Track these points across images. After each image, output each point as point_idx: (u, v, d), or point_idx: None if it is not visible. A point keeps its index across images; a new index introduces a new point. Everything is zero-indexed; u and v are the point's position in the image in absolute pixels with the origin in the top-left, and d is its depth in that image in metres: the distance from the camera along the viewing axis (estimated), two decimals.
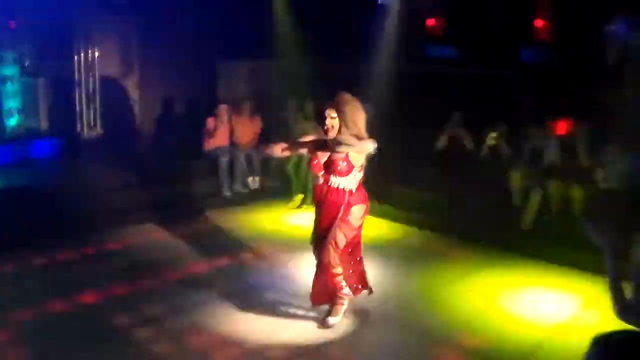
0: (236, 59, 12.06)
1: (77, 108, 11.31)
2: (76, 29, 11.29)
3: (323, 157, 5.36)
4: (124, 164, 9.86)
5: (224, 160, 9.85)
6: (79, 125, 11.29)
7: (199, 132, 10.15)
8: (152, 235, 8.16)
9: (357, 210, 5.35)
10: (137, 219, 8.49)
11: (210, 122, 10.05)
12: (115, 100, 11.92)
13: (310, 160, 5.61)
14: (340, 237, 5.34)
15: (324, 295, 5.62)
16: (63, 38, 11.49)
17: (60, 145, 10.73)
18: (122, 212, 8.49)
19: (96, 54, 11.35)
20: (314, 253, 5.60)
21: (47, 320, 5.66)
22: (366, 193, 5.44)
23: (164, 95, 11.81)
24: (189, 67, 11.76)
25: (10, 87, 10.46)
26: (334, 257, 5.37)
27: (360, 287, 5.76)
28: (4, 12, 10.62)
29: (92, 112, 11.36)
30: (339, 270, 5.46)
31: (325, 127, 5.19)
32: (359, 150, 5.13)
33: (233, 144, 10.20)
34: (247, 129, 10.35)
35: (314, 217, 5.59)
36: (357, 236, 5.58)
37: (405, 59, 10.53)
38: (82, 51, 11.26)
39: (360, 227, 5.50)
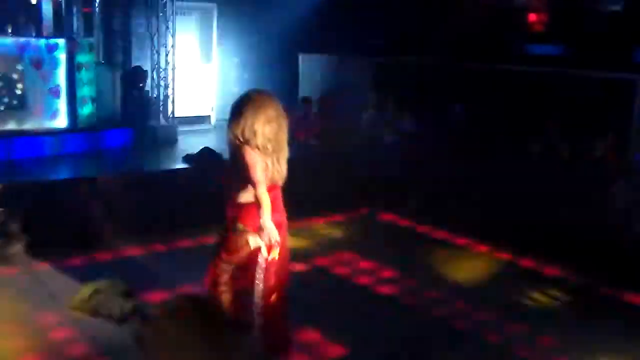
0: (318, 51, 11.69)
1: (152, 98, 11.17)
2: (154, 16, 11.14)
3: None
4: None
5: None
6: (153, 116, 11.15)
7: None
8: None
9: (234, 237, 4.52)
10: None
11: (290, 118, 9.70)
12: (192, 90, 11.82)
13: None
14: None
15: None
16: (140, 25, 11.38)
17: (133, 136, 10.54)
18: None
19: (174, 43, 11.16)
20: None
21: None
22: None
23: (241, 86, 11.53)
24: (268, 58, 11.49)
25: (84, 75, 10.29)
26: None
27: None
28: None
29: (167, 103, 11.21)
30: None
31: None
32: None
33: (312, 140, 9.81)
34: (307, 128, 9.94)
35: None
36: None
37: (503, 58, 9.93)
38: (158, 39, 11.08)
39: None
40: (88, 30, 11.10)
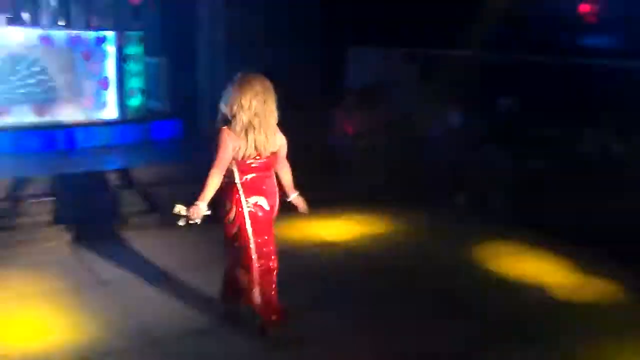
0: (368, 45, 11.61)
1: (200, 90, 11.24)
2: (201, 9, 11.18)
3: None
4: None
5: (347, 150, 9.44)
6: (201, 108, 11.22)
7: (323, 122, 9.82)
8: None
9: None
10: None
11: (337, 112, 9.74)
12: None
13: None
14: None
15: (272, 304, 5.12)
16: (187, 18, 11.44)
17: (181, 127, 10.61)
18: None
19: (221, 34, 11.19)
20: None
21: None
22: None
23: (288, 78, 11.52)
24: (316, 51, 11.46)
25: (133, 67, 10.40)
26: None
27: None
28: None
29: (215, 94, 11.24)
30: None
31: None
32: None
33: (359, 134, 9.73)
34: (375, 120, 9.87)
35: None
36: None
37: (551, 50, 9.76)
38: (207, 29, 11.12)
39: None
40: (137, 22, 11.20)
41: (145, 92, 10.66)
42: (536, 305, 5.93)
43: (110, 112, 10.24)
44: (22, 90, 9.42)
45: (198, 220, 4.59)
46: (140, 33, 10.91)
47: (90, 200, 7.58)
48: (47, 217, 7.42)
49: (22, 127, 9.33)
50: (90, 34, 10.19)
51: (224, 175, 4.71)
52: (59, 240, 7.18)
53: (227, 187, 4.76)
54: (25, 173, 7.98)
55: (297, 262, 6.45)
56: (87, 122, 9.87)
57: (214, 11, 11.08)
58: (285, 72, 12.19)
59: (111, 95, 10.22)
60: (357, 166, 9.41)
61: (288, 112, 4.99)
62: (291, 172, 5.09)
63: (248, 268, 4.86)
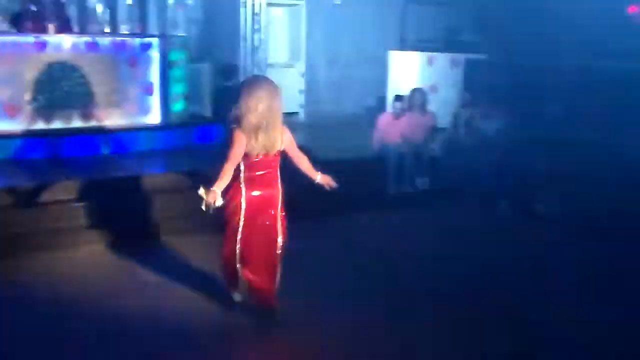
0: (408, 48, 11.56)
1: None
2: (244, 13, 11.26)
3: None
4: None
5: (393, 158, 9.37)
6: None
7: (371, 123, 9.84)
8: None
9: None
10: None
11: (383, 118, 9.70)
12: (281, 85, 11.84)
13: None
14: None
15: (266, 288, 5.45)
16: (230, 23, 11.53)
17: (223, 133, 10.65)
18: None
19: (263, 39, 11.26)
20: None
21: None
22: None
23: (329, 83, 11.56)
24: (358, 55, 11.45)
25: (177, 73, 10.51)
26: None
27: None
28: None
29: None
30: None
31: None
32: None
33: (403, 140, 9.65)
34: (419, 125, 9.80)
35: None
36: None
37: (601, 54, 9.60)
38: (249, 36, 11.20)
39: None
40: (180, 28, 11.32)
41: (188, 98, 10.76)
42: None
43: (154, 117, 10.35)
44: (68, 96, 9.59)
45: (217, 203, 4.93)
46: (184, 39, 11.02)
47: (131, 204, 7.67)
48: (88, 221, 7.52)
49: (67, 132, 9.50)
50: (136, 41, 10.33)
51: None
52: (99, 244, 7.28)
53: (233, 180, 5.14)
54: (67, 177, 8.12)
55: None
56: (130, 127, 10.00)
57: (255, 19, 11.16)
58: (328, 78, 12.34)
59: (155, 100, 10.34)
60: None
61: None
62: (307, 158, 5.51)
63: (232, 249, 5.30)
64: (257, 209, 5.24)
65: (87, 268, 6.70)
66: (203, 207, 4.89)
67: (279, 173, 5.36)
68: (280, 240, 5.36)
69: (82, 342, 5.13)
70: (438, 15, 11.29)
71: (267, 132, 5.07)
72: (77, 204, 7.60)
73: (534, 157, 8.98)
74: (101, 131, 9.68)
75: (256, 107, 5.02)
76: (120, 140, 9.65)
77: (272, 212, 5.31)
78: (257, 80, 5.31)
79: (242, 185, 5.21)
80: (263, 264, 5.34)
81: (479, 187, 8.96)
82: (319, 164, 9.05)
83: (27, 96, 9.33)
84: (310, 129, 11.23)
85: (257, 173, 5.20)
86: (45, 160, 8.98)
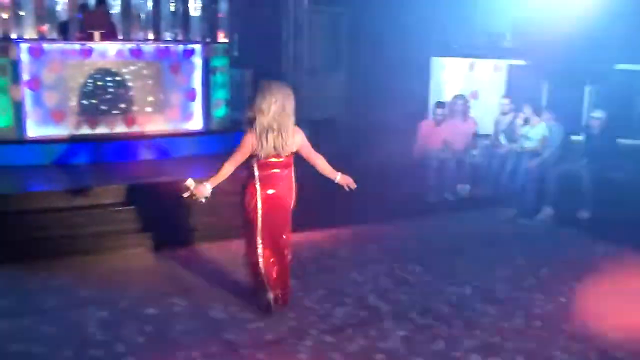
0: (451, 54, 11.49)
1: None
2: (285, 20, 11.30)
3: None
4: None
5: (433, 165, 9.32)
6: None
7: (411, 130, 9.80)
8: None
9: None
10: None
11: (424, 124, 9.66)
12: (320, 93, 11.89)
13: None
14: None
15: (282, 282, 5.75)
16: (272, 29, 11.59)
17: None
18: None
19: (304, 46, 11.29)
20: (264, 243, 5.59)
21: None
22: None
23: (371, 89, 11.54)
24: (399, 61, 11.41)
25: (219, 79, 10.60)
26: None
27: None
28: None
29: (297, 105, 11.31)
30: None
31: None
32: None
33: (444, 147, 9.60)
34: (460, 132, 9.74)
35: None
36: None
37: None
38: (290, 43, 11.24)
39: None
40: (223, 35, 11.40)
41: (230, 104, 10.85)
42: None
43: (196, 123, 10.45)
44: (112, 102, 9.75)
45: (202, 200, 5.43)
46: (226, 45, 11.11)
47: (172, 209, 7.73)
48: (131, 225, 7.61)
49: (111, 137, 9.66)
50: (179, 47, 10.45)
51: (247, 170, 5.49)
52: (142, 248, 7.39)
53: (248, 181, 5.51)
54: (110, 181, 8.25)
55: None
56: (173, 132, 10.12)
57: (297, 25, 11.19)
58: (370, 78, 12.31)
59: (197, 106, 10.43)
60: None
61: None
62: (324, 159, 5.77)
63: (254, 246, 5.57)
64: (273, 206, 5.51)
65: (129, 271, 6.79)
66: (185, 195, 5.39)
67: (293, 174, 5.62)
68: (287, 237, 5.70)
69: (127, 345, 5.19)
70: (480, 21, 11.19)
71: (278, 133, 5.33)
72: (119, 208, 7.72)
73: (579, 164, 8.86)
74: (144, 137, 9.81)
75: (268, 109, 5.31)
76: (162, 145, 9.77)
77: (285, 211, 5.63)
78: (270, 84, 5.49)
79: (257, 185, 5.47)
80: (277, 257, 5.65)
81: (521, 194, 8.86)
82: (359, 170, 9.16)
83: (73, 102, 9.51)
84: (351, 135, 11.22)
85: (271, 172, 5.45)
86: (89, 165, 9.16)
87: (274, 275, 5.66)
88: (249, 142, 5.32)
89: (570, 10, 9.97)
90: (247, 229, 5.63)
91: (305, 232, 7.50)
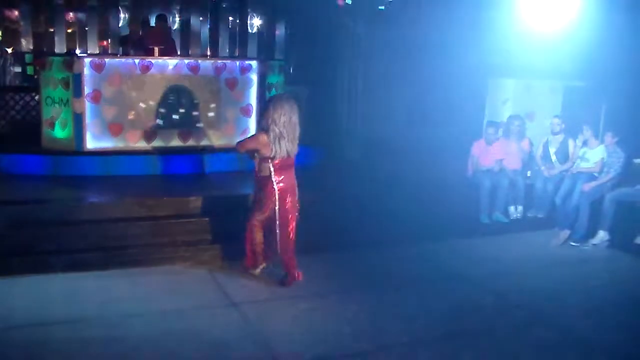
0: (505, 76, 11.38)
1: (339, 118, 11.39)
2: (344, 39, 11.36)
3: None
4: (379, 178, 9.73)
5: (486, 185, 9.23)
6: (339, 135, 11.39)
7: (466, 150, 9.76)
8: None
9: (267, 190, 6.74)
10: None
11: (476, 144, 9.59)
12: (375, 113, 11.90)
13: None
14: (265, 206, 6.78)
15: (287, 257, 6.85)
16: (328, 48, 11.67)
17: (319, 154, 10.72)
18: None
19: (361, 64, 11.31)
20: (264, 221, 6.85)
21: None
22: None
23: (427, 108, 11.52)
24: (456, 80, 11.37)
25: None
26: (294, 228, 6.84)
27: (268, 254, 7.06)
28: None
29: (353, 123, 11.36)
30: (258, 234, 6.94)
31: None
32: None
33: (499, 168, 9.50)
34: (514, 152, 9.63)
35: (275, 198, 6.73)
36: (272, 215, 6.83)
37: None
38: (346, 61, 11.29)
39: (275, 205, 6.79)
40: (279, 53, 11.52)
41: None
42: None
43: None
44: (169, 116, 9.93)
45: None
46: (282, 62, 11.21)
47: (225, 222, 7.83)
48: (185, 237, 7.74)
49: (167, 151, 9.83)
50: (236, 63, 10.59)
51: (264, 169, 6.66)
52: (195, 260, 7.47)
53: (266, 178, 6.68)
54: (165, 194, 8.39)
55: None
56: (228, 147, 10.22)
57: (354, 43, 11.24)
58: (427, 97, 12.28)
59: (253, 122, 10.52)
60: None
61: None
62: None
63: (273, 229, 6.79)
64: (284, 193, 6.69)
65: (180, 283, 6.88)
66: None
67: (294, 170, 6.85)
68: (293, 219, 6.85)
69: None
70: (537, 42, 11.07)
71: (288, 140, 6.56)
72: (173, 221, 7.85)
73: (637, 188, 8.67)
74: (199, 151, 9.96)
75: (280, 119, 6.49)
76: (217, 160, 9.87)
77: (291, 198, 6.77)
78: (281, 98, 6.77)
79: (273, 179, 6.64)
80: (286, 237, 6.78)
81: (575, 216, 8.70)
82: (412, 188, 9.15)
83: (130, 116, 9.72)
84: (406, 153, 11.17)
85: (282, 169, 6.65)
86: (144, 178, 9.31)
87: (276, 248, 6.84)
88: (260, 139, 6.59)
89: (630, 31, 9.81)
90: (254, 209, 6.92)
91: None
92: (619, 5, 10.18)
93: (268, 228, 6.87)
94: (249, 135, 7.06)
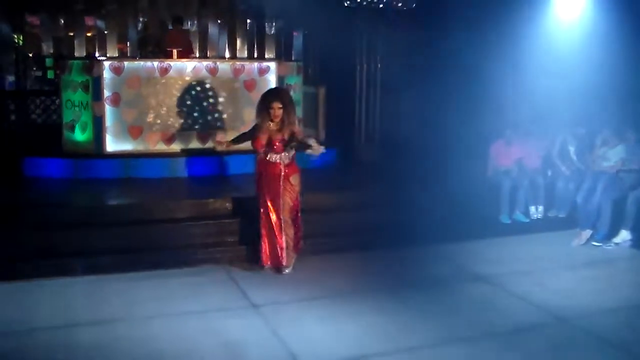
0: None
1: (356, 119, 11.35)
2: (360, 40, 11.31)
3: (264, 138, 6.96)
4: (398, 180, 9.67)
5: (506, 185, 9.15)
6: (356, 136, 11.35)
7: (485, 151, 9.70)
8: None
9: (294, 179, 7.05)
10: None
11: (495, 145, 9.51)
12: (393, 114, 11.84)
13: (254, 141, 7.04)
14: (287, 200, 6.99)
15: (271, 256, 7.08)
16: (346, 49, 11.62)
17: (335, 155, 10.69)
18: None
19: (378, 66, 11.26)
20: (263, 216, 7.06)
21: None
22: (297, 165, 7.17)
23: (444, 110, 11.43)
24: (473, 80, 11.28)
25: (293, 96, 10.65)
26: (287, 218, 7.04)
27: (299, 246, 7.30)
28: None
29: (370, 124, 11.32)
30: (290, 229, 7.08)
31: (274, 115, 6.89)
32: (303, 139, 7.16)
33: (519, 167, 9.41)
34: (534, 152, 9.54)
35: (261, 185, 7.11)
36: (298, 203, 7.19)
37: None
38: (364, 63, 11.24)
39: (299, 193, 7.14)
40: (297, 54, 11.48)
41: (303, 121, 10.89)
42: None
43: None
44: (188, 118, 9.93)
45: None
46: (300, 63, 11.19)
47: (245, 223, 7.81)
48: (204, 239, 7.74)
49: (186, 153, 9.83)
50: (254, 65, 10.57)
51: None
52: (215, 262, 7.46)
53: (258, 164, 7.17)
54: (184, 196, 8.40)
55: None
56: (246, 149, 10.18)
57: (370, 44, 11.19)
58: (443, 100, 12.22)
59: None
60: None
61: None
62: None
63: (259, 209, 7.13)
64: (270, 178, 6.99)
65: (199, 285, 6.86)
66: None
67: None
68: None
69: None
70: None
71: (283, 128, 6.92)
72: (192, 223, 7.84)
73: None
74: (217, 153, 9.94)
75: (273, 111, 6.89)
76: (235, 162, 9.84)
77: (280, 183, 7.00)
78: (278, 92, 7.48)
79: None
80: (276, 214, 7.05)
81: (597, 216, 8.59)
82: (432, 188, 9.11)
83: (150, 118, 9.73)
84: (424, 153, 11.11)
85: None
86: (164, 180, 9.32)
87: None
88: (256, 129, 7.02)
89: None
90: (294, 209, 7.18)
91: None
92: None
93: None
94: (250, 127, 7.35)
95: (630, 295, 6.84)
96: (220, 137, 7.22)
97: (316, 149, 7.04)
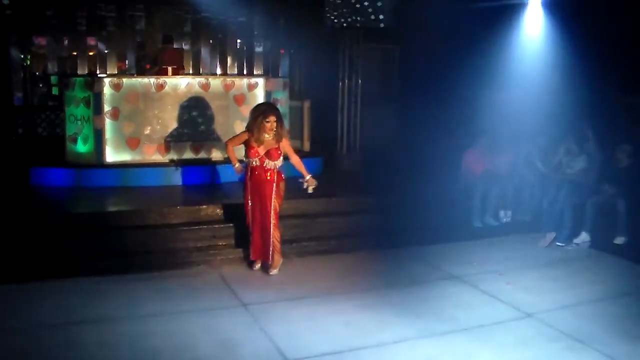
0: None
1: (339, 130, 11.37)
2: (342, 58, 11.33)
3: (261, 148, 7.02)
4: (378, 188, 9.71)
5: (478, 191, 9.19)
6: (338, 147, 11.37)
7: (457, 160, 9.73)
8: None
9: (282, 185, 7.14)
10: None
11: (467, 154, 9.56)
12: (372, 125, 11.87)
13: (250, 149, 7.03)
14: (275, 204, 7.07)
15: (261, 252, 7.15)
16: (329, 66, 11.66)
17: (319, 165, 10.70)
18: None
19: (359, 82, 11.29)
20: (250, 218, 7.17)
21: None
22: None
23: (420, 123, 11.48)
24: (449, 95, 11.35)
25: (280, 110, 10.66)
26: (276, 221, 7.08)
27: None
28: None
29: (352, 135, 11.33)
30: (277, 232, 7.11)
31: (270, 128, 6.95)
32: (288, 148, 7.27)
33: (489, 173, 9.45)
34: (503, 161, 9.59)
35: (251, 191, 7.13)
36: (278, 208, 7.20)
37: None
38: (346, 78, 11.27)
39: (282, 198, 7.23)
40: (284, 70, 11.48)
41: (289, 133, 10.89)
42: None
43: None
44: (182, 131, 9.93)
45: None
46: (286, 79, 11.21)
47: (235, 228, 7.83)
48: (197, 243, 7.73)
49: (179, 163, 9.80)
50: (243, 81, 10.58)
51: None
52: (208, 265, 7.46)
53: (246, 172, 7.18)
54: (178, 203, 8.39)
55: None
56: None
57: (351, 61, 11.22)
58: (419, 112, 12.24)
59: None
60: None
61: None
62: (299, 159, 7.39)
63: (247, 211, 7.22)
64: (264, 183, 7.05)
65: (192, 286, 6.84)
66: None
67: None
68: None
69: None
70: None
71: (272, 139, 7.00)
72: (186, 228, 7.83)
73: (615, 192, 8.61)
74: (210, 163, 9.95)
75: (262, 124, 6.91)
76: (225, 171, 9.80)
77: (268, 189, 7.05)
78: (264, 105, 7.58)
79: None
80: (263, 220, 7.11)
81: (560, 219, 8.65)
82: (408, 196, 9.13)
83: (147, 130, 9.73)
84: (401, 164, 11.18)
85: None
86: (160, 188, 9.31)
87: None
88: (245, 136, 7.07)
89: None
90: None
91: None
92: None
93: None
94: (239, 133, 7.39)
95: (589, 291, 6.89)
96: (238, 167, 7.20)
97: (310, 182, 7.18)
